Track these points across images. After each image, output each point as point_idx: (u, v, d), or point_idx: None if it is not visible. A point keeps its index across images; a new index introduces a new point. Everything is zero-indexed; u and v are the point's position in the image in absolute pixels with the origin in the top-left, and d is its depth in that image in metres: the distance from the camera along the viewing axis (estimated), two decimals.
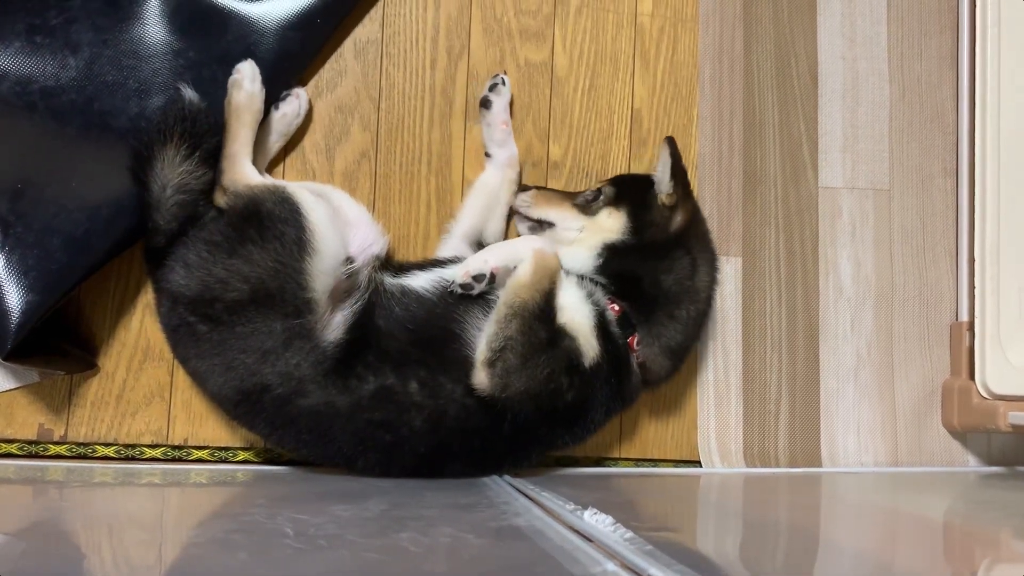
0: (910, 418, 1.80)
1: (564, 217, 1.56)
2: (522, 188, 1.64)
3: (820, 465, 1.75)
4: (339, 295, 1.40)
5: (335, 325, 1.37)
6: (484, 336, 1.36)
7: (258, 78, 1.50)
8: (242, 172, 1.45)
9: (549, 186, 1.71)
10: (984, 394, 1.70)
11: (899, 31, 1.88)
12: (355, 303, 1.40)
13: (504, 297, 1.37)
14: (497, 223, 1.65)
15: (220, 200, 1.43)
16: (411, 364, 1.36)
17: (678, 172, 1.51)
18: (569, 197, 1.59)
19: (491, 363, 1.33)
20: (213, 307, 1.34)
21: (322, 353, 1.34)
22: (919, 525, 1.40)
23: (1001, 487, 1.71)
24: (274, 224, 1.36)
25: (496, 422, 1.37)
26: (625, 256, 1.51)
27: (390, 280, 1.46)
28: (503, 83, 1.68)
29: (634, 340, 1.48)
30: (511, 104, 1.70)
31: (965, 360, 1.77)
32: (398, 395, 1.35)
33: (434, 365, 1.37)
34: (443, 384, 1.36)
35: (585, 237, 1.54)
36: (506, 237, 1.67)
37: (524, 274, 1.38)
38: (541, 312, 1.36)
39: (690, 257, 1.53)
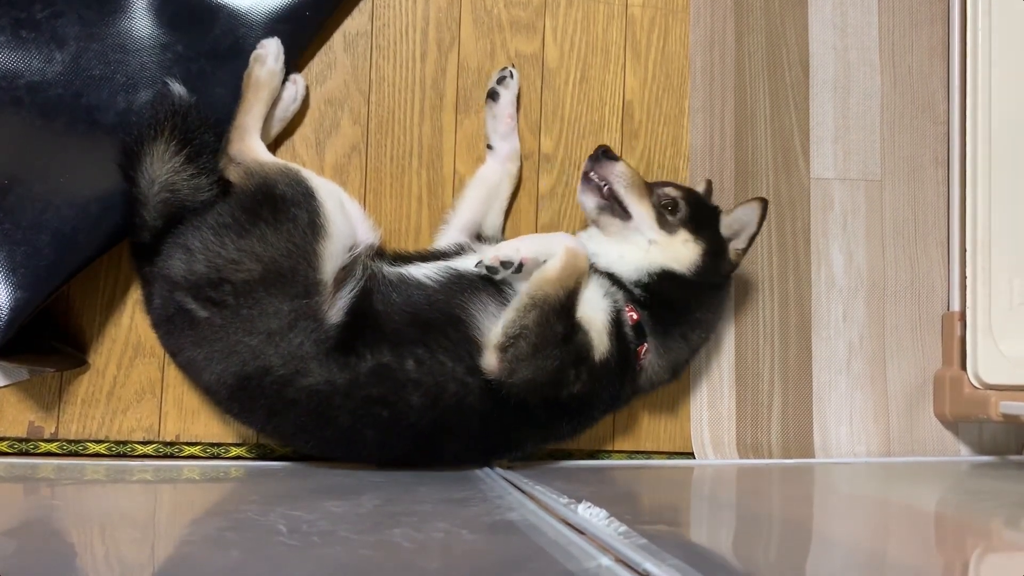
0: (902, 408, 1.81)
1: (644, 218, 1.49)
2: (605, 152, 1.51)
3: (813, 456, 1.76)
4: (339, 280, 1.41)
5: (338, 309, 1.38)
6: (501, 321, 1.37)
7: (282, 57, 1.52)
8: (251, 146, 1.47)
9: (543, 179, 1.71)
10: (976, 384, 1.71)
11: (890, 21, 1.88)
12: (353, 288, 1.41)
13: (528, 288, 1.38)
14: (496, 216, 1.65)
15: (229, 170, 1.44)
16: (408, 344, 1.37)
17: (757, 235, 1.53)
18: (647, 191, 1.51)
19: (503, 348, 1.35)
20: (220, 289, 1.33)
21: (325, 333, 1.35)
22: (911, 515, 1.41)
23: (992, 476, 1.72)
24: (288, 207, 1.37)
25: (498, 405, 1.38)
26: (677, 285, 1.50)
27: (388, 269, 1.47)
28: (511, 76, 1.68)
29: (643, 349, 1.48)
30: (518, 97, 1.70)
31: (957, 350, 1.77)
32: (395, 372, 1.36)
33: (434, 345, 1.38)
34: (443, 363, 1.37)
35: (652, 252, 1.49)
36: (503, 231, 1.68)
37: (552, 269, 1.38)
38: (562, 308, 1.37)
39: (724, 295, 1.61)
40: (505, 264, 1.41)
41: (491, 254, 1.43)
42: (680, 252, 1.49)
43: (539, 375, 1.35)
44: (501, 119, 1.66)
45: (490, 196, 1.64)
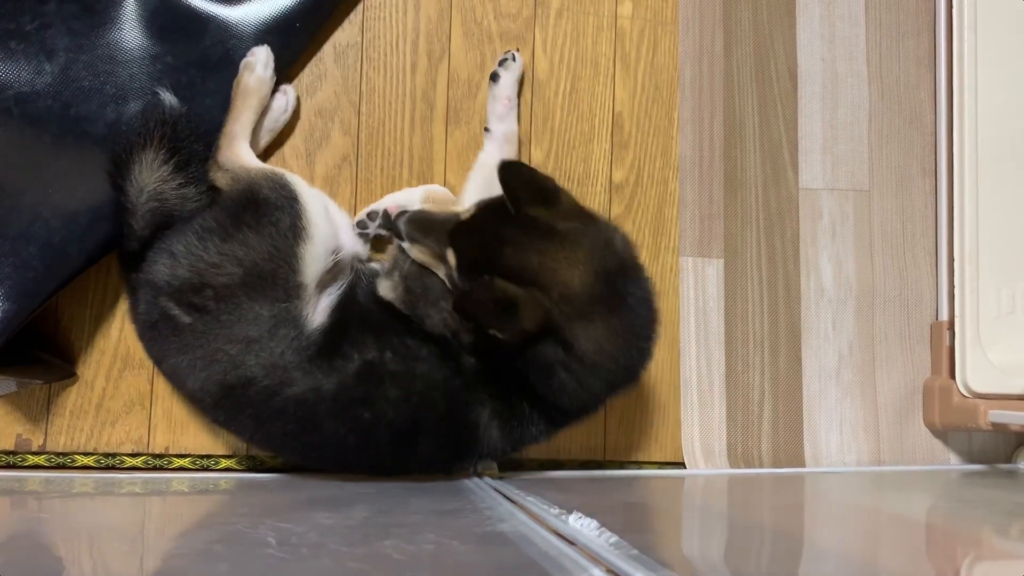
0: (892, 417, 1.82)
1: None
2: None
3: (803, 465, 1.76)
4: (323, 284, 1.42)
5: (320, 312, 1.38)
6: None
7: (271, 65, 1.53)
8: (238, 152, 1.47)
9: None
10: (965, 393, 1.71)
11: (877, 33, 1.90)
12: (338, 289, 1.42)
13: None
14: None
15: (218, 178, 1.44)
16: (387, 332, 1.38)
17: None
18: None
19: (388, 273, 1.44)
20: (201, 294, 1.33)
21: (306, 340, 1.34)
22: (902, 524, 1.41)
23: (982, 485, 1.72)
24: (270, 210, 1.37)
25: (453, 364, 1.37)
26: None
27: (373, 264, 1.50)
28: (513, 59, 1.70)
29: None
30: (521, 83, 1.71)
31: (946, 359, 1.78)
32: (376, 368, 1.36)
33: (402, 329, 1.39)
34: (409, 345, 1.38)
35: None
36: None
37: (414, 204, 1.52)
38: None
39: None
40: (371, 215, 1.55)
41: (361, 213, 1.56)
42: None
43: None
44: (499, 100, 1.67)
45: (487, 181, 1.64)
